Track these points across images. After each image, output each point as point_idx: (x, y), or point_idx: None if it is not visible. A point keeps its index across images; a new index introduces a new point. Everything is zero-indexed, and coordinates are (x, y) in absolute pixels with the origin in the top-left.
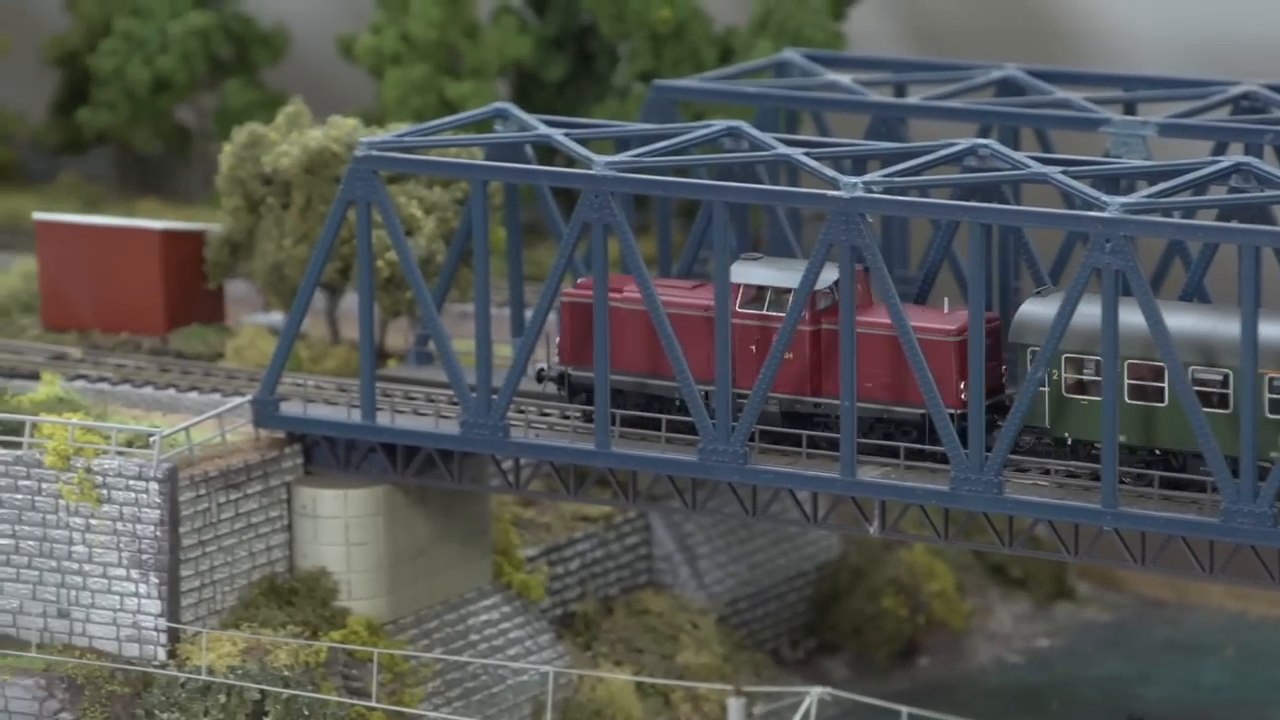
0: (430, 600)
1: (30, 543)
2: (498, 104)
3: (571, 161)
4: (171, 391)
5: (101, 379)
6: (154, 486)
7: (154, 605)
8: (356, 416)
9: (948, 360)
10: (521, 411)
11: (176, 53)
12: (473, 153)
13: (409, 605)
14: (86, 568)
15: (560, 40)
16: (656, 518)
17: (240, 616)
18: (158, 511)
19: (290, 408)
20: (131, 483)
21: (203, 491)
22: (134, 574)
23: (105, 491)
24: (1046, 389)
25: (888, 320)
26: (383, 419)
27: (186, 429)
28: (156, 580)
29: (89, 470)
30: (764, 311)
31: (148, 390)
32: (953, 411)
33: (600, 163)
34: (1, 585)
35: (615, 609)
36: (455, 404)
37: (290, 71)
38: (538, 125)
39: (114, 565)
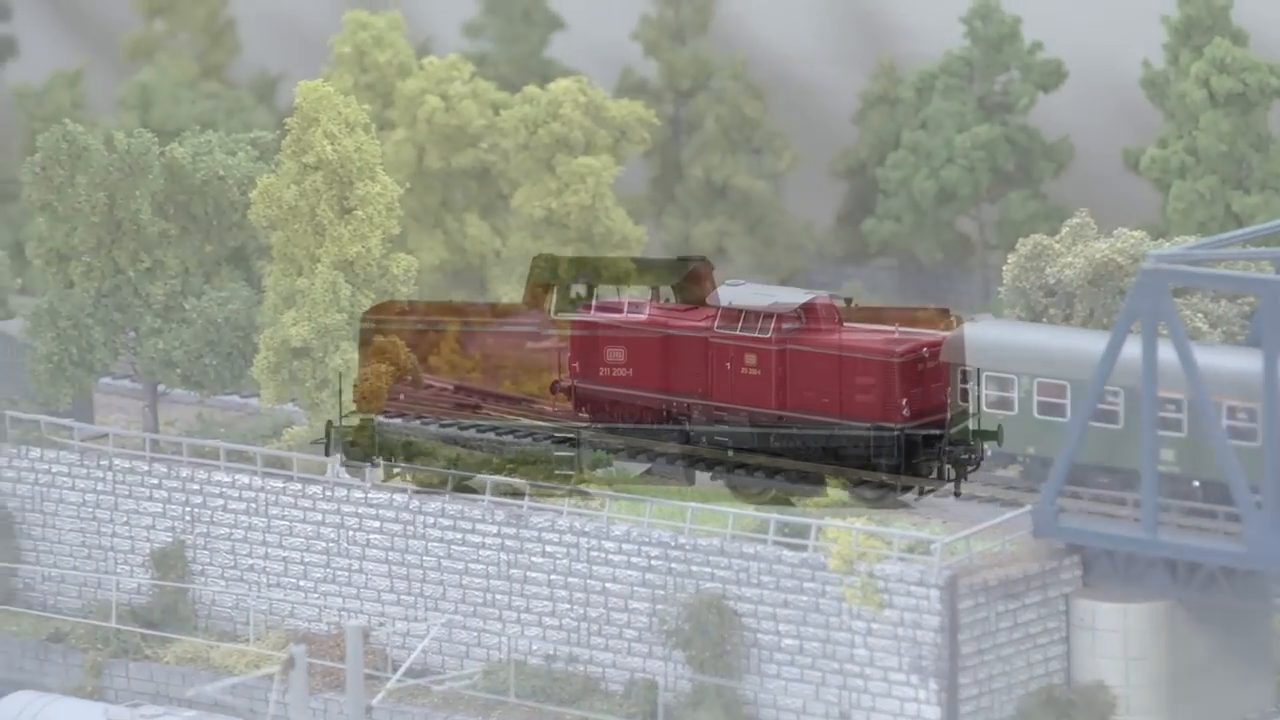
0: None
1: (814, 644)
2: None
3: None
4: (951, 499)
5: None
6: (934, 593)
7: (933, 712)
8: (1139, 531)
9: (890, 379)
10: None
11: (962, 165)
12: (1262, 266)
13: None
14: (867, 671)
15: None
16: None
17: None
18: (938, 618)
19: (1070, 519)
20: (913, 588)
21: (982, 600)
22: (913, 679)
23: (887, 596)
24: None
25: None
26: (1165, 534)
27: (967, 537)
28: (936, 687)
29: (871, 575)
30: (737, 332)
31: (928, 497)
32: (895, 426)
33: None
34: (786, 685)
35: None
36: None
37: (1070, 183)
38: None
39: (894, 670)
